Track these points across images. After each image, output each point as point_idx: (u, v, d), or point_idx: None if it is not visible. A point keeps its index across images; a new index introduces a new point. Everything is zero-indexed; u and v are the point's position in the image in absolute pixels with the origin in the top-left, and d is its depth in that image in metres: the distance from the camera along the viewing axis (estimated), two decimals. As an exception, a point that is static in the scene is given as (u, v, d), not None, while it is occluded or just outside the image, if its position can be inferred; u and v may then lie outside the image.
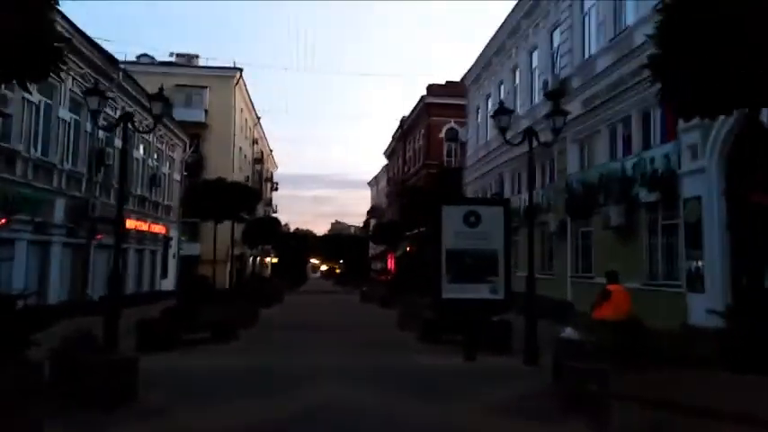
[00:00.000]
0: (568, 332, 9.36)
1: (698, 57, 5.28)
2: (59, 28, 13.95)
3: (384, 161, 61.91)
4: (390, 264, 51.96)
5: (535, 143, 11.61)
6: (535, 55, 22.53)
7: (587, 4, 17.87)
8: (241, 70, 41.39)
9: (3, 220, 14.56)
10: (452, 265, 11.25)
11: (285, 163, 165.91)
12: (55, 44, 6.21)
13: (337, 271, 76.38)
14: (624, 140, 15.37)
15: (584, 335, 9.11)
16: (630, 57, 14.36)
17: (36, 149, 16.54)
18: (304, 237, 66.03)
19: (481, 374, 9.33)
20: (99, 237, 19.58)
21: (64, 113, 18.15)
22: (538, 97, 21.73)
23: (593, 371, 6.36)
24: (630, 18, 15.04)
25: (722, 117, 9.07)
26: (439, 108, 38.69)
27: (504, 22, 25.14)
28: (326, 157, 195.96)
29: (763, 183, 9.40)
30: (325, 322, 19.03)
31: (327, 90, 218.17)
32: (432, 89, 40.16)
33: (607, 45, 16.15)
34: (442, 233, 11.35)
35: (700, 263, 11.63)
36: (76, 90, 17.90)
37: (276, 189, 64.67)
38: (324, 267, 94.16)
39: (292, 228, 72.12)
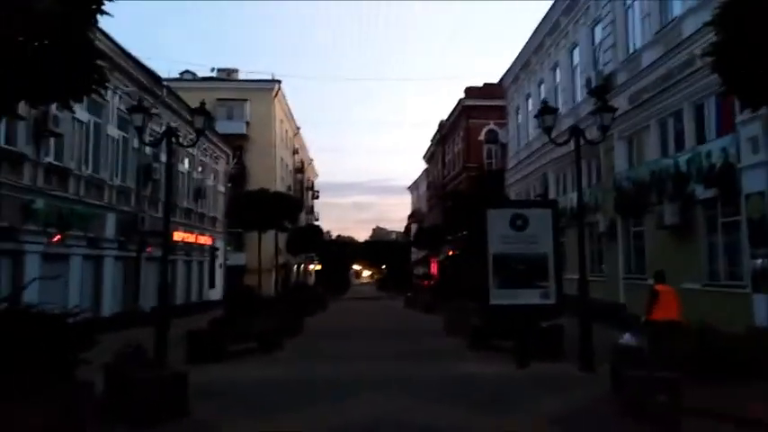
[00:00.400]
0: (627, 338, 8.94)
1: (762, 44, 4.88)
2: (104, 47, 14.42)
3: (424, 165, 61.65)
4: (433, 268, 51.56)
5: (581, 141, 11.21)
6: (576, 52, 21.93)
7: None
8: (280, 82, 42.04)
9: (58, 237, 15.07)
10: (500, 271, 10.94)
11: (325, 171, 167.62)
12: (96, 62, 6.29)
13: (379, 277, 76.29)
14: (676, 135, 14.69)
15: (645, 341, 8.67)
16: (680, 48, 13.74)
17: (87, 167, 17.11)
18: (345, 244, 66.35)
19: (536, 383, 9.00)
20: (149, 249, 20.07)
21: (112, 131, 18.73)
22: (580, 95, 21.12)
23: (662, 381, 5.95)
24: (678, 9, 14.39)
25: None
26: (477, 110, 38.26)
27: (542, 21, 24.61)
28: (365, 164, 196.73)
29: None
30: (370, 330, 18.90)
31: (366, 97, 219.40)
32: (469, 92, 39.75)
33: (653, 38, 15.51)
34: (488, 237, 11.06)
35: (766, 262, 10.93)
36: (123, 108, 18.44)
37: (317, 197, 65.26)
38: (366, 273, 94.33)
39: (334, 235, 72.51)
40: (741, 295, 11.55)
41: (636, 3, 16.86)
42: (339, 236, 71.84)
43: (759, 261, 11.07)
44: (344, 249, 61.97)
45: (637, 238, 16.91)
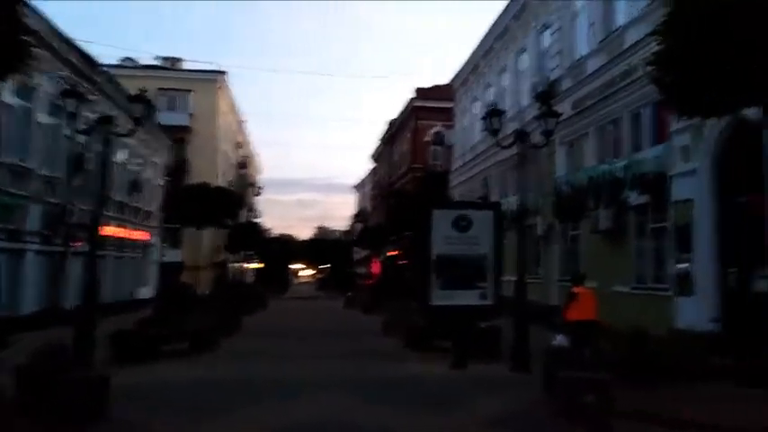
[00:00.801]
0: (559, 339, 9.12)
1: (703, 54, 5.05)
2: (35, 25, 13.47)
3: (371, 164, 61.65)
4: (375, 268, 51.58)
5: (525, 145, 11.42)
6: (524, 57, 22.41)
7: (578, 6, 17.75)
8: (225, 73, 41.00)
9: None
10: (442, 271, 11.00)
11: (272, 166, 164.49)
12: (21, 37, 5.81)
13: (321, 276, 75.64)
14: (614, 142, 15.24)
15: (574, 341, 8.86)
16: (621, 58, 14.23)
17: (12, 154, 15.96)
18: (287, 242, 65.26)
19: (472, 383, 9.05)
20: (76, 244, 18.97)
21: (43, 117, 17.59)
22: (526, 100, 21.58)
23: (591, 382, 6.07)
24: (622, 19, 14.92)
25: (715, 118, 8.95)
26: (426, 111, 38.58)
27: (493, 25, 25.03)
28: (313, 160, 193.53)
29: (751, 184, 9.34)
30: (308, 329, 18.64)
31: (318, 93, 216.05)
32: (420, 92, 40.09)
33: (598, 46, 16.04)
34: (432, 238, 11.09)
35: (689, 266, 11.49)
36: (56, 93, 17.35)
37: (259, 194, 63.99)
38: (308, 272, 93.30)
39: (277, 232, 71.35)
40: (665, 298, 12.06)
41: (583, 11, 17.37)
42: (282, 234, 70.63)
43: (682, 266, 11.62)
44: (286, 247, 60.98)
45: (573, 241, 17.43)
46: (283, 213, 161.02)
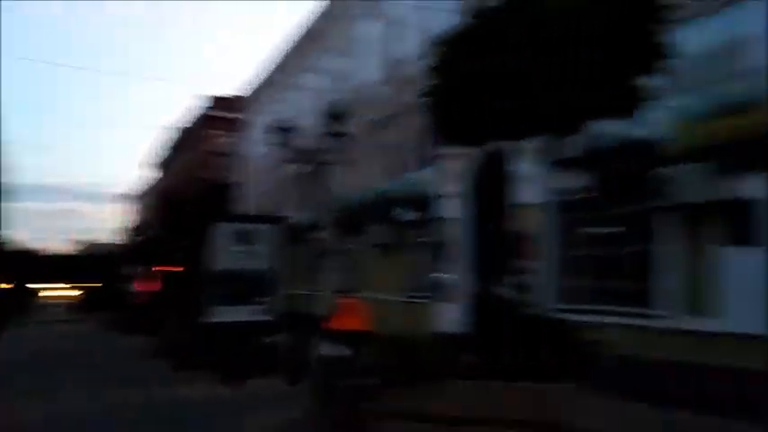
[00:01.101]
0: (331, 349, 9.28)
1: (464, 92, 5.77)
2: None
3: (154, 173, 57.12)
4: (147, 285, 47.45)
5: (313, 163, 11.68)
6: (314, 77, 22.99)
7: (368, 33, 18.84)
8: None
9: None
10: (222, 286, 10.63)
11: (35, 172, 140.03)
12: None
13: (82, 295, 66.84)
14: (393, 164, 16.50)
15: (346, 351, 9.14)
16: (404, 85, 15.50)
17: None
18: (37, 257, 56.42)
19: (247, 400, 8.81)
20: None
21: None
22: (316, 118, 22.10)
23: (363, 388, 6.33)
24: (405, 50, 16.23)
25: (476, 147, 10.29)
26: (218, 121, 37.49)
27: (287, 42, 25.28)
28: (84, 166, 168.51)
29: (497, 207, 11.01)
30: (60, 358, 15.99)
31: (94, 94, 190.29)
32: (212, 101, 38.79)
33: (384, 74, 17.27)
34: (212, 251, 10.64)
35: (447, 276, 13.03)
36: None
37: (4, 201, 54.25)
38: (65, 292, 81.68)
39: (32, 247, 61.23)
40: (429, 305, 13.43)
41: (372, 38, 18.50)
42: (31, 248, 60.66)
43: (442, 275, 13.13)
44: (34, 264, 52.54)
45: (352, 255, 18.34)
46: (45, 225, 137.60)
